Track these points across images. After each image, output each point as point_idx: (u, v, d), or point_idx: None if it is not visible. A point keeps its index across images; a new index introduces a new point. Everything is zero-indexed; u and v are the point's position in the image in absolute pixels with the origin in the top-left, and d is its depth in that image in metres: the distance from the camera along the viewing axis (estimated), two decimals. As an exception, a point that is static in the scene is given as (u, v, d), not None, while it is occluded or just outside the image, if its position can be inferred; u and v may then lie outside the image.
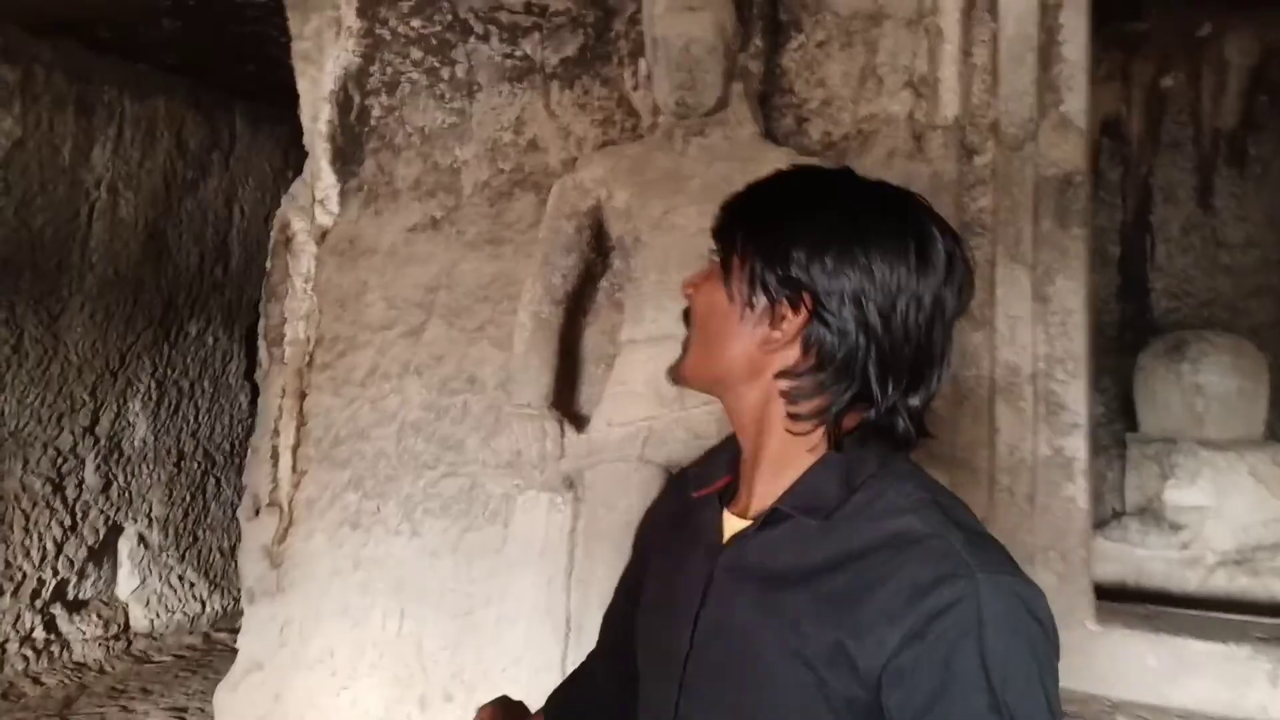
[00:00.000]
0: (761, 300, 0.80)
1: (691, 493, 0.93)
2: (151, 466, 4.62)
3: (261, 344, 2.74)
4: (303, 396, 2.63)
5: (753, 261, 0.81)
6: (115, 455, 4.43)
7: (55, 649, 4.07)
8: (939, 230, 0.81)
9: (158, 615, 4.61)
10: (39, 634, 4.01)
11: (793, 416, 0.81)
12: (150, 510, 4.60)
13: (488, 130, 2.51)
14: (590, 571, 1.92)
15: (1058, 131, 2.03)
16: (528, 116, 2.47)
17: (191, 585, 4.82)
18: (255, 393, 5.41)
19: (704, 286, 0.86)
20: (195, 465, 4.90)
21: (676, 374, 0.89)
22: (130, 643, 4.43)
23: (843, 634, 0.74)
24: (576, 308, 2.22)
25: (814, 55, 2.17)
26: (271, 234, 2.75)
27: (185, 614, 4.77)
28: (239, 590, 5.16)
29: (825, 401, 0.79)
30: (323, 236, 2.67)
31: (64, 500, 4.15)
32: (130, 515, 4.49)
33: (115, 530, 4.42)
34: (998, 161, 2.05)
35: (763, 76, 2.15)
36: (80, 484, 4.23)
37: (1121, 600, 2.47)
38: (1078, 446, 1.98)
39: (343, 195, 2.66)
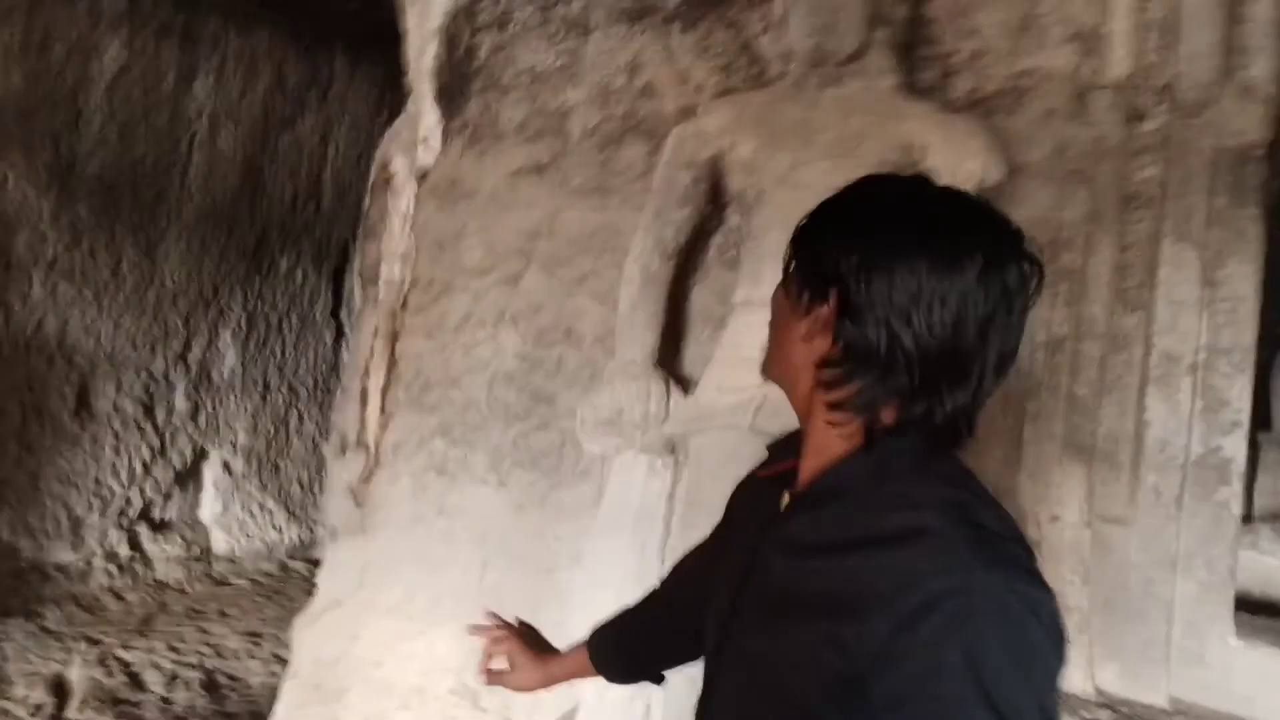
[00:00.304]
0: (805, 296, 0.86)
1: (759, 473, 1.01)
2: (239, 396, 4.69)
3: (356, 282, 2.69)
4: (395, 338, 2.57)
5: (799, 261, 0.88)
6: (205, 383, 4.49)
7: (139, 567, 4.18)
8: (983, 234, 0.82)
9: (238, 541, 4.70)
10: (124, 551, 4.11)
11: (829, 406, 0.85)
12: (236, 439, 4.67)
13: (600, 73, 2.38)
14: (688, 541, 1.82)
15: (1240, 98, 1.81)
16: (644, 60, 2.33)
17: (271, 514, 4.90)
18: (340, 331, 5.46)
19: (779, 290, 0.92)
20: (280, 398, 4.96)
21: (762, 370, 0.96)
22: (210, 565, 4.52)
23: (844, 614, 0.77)
24: (686, 264, 2.09)
25: (966, 2, 1.98)
26: (371, 171, 2.68)
27: (264, 541, 4.86)
28: (315, 522, 5.25)
29: (853, 391, 0.83)
30: (423, 176, 2.59)
31: (154, 424, 4.23)
32: (216, 442, 4.56)
33: (201, 456, 4.50)
34: (1171, 128, 1.84)
35: (907, 24, 1.97)
36: (170, 409, 4.30)
37: (1246, 611, 2.28)
38: (1237, 447, 1.79)
39: (446, 135, 2.57)
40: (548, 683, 1.26)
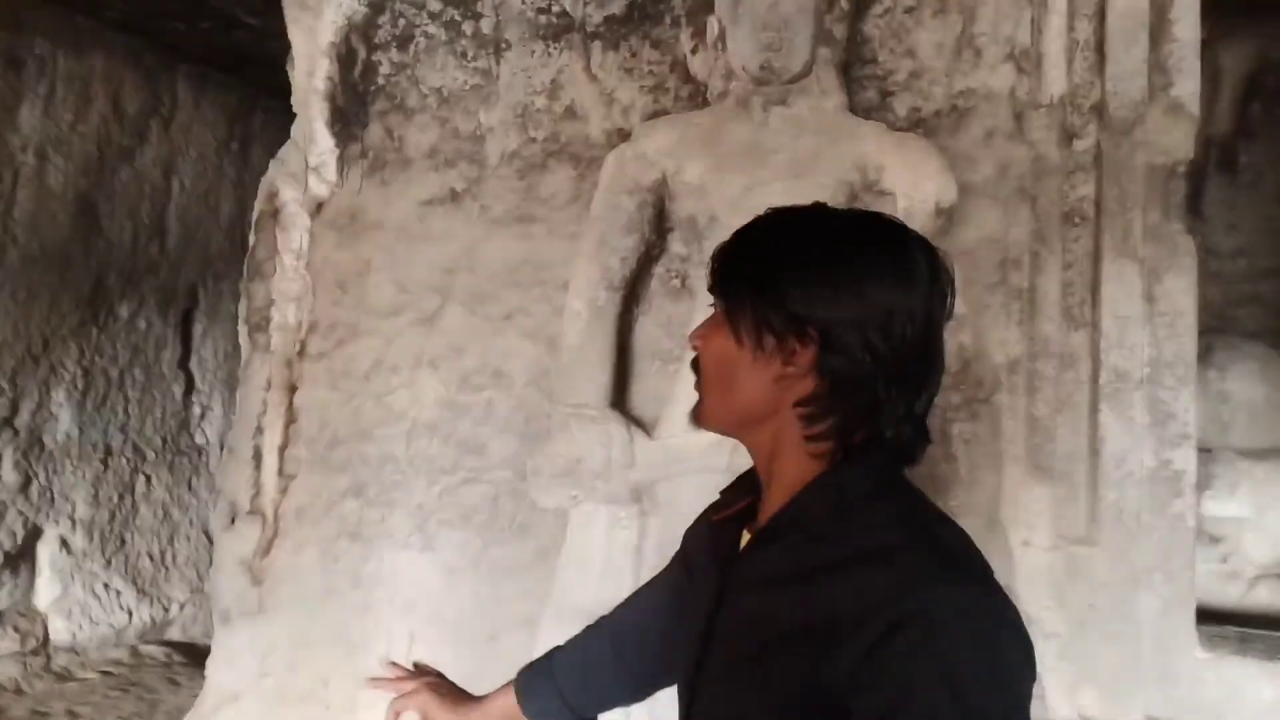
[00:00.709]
0: (770, 340, 0.84)
1: (713, 517, 1.00)
2: (75, 463, 4.16)
3: (242, 329, 2.40)
4: (292, 390, 2.30)
5: (755, 305, 0.85)
6: (36, 450, 3.95)
7: (-35, 669, 3.60)
8: (913, 243, 0.85)
9: (80, 627, 4.15)
10: (-54, 652, 3.54)
11: (809, 438, 0.85)
12: (74, 511, 4.14)
13: (517, 94, 2.23)
14: None
15: (1168, 117, 1.87)
16: (565, 80, 2.20)
17: (118, 594, 4.36)
18: (191, 383, 4.98)
19: (712, 336, 0.89)
20: (124, 462, 4.44)
21: (696, 419, 0.93)
22: (50, 658, 3.96)
23: (816, 644, 0.77)
24: (628, 296, 1.96)
25: (902, 22, 1.96)
26: (256, 204, 2.41)
27: (111, 625, 4.31)
28: (170, 599, 4.72)
29: (839, 420, 0.84)
30: (318, 209, 2.34)
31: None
32: (51, 517, 4.02)
33: (34, 534, 3.95)
34: (1104, 146, 1.87)
35: (848, 43, 1.93)
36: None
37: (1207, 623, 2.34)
38: (1187, 459, 1.82)
39: (342, 162, 2.34)
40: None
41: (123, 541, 4.41)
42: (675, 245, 1.99)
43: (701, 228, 1.83)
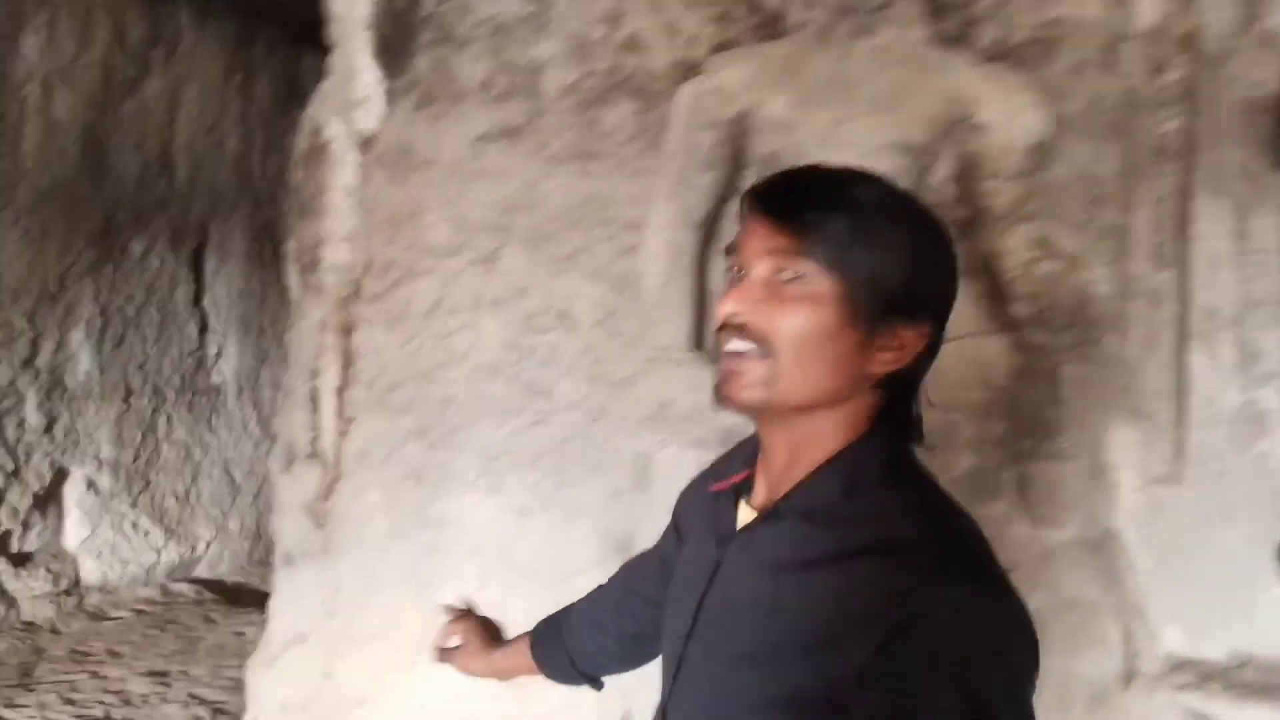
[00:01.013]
0: (881, 321, 0.81)
1: (709, 488, 0.96)
2: (98, 404, 4.12)
3: (291, 268, 2.34)
4: (348, 331, 2.26)
5: (870, 279, 0.80)
6: (58, 391, 3.91)
7: (1, 608, 3.61)
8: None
9: (111, 567, 4.16)
10: (-18, 593, 3.54)
11: (892, 416, 0.85)
12: (99, 452, 4.11)
13: (574, 23, 2.14)
14: None
15: (1260, 49, 1.81)
16: (625, 8, 2.11)
17: (146, 533, 4.37)
18: (205, 321, 4.91)
19: (797, 306, 0.81)
20: (145, 402, 4.40)
21: (743, 399, 0.82)
22: (82, 598, 3.98)
23: (823, 636, 0.75)
24: (708, 235, 1.91)
25: (989, -54, 1.88)
26: (299, 139, 2.33)
27: (140, 564, 4.33)
28: (197, 538, 4.73)
29: (896, 404, 0.84)
30: (366, 144, 2.26)
31: (4, 443, 3.63)
32: (77, 458, 3.99)
33: (61, 475, 3.93)
34: (1196, 79, 1.82)
35: (933, -31, 1.85)
36: (21, 424, 3.72)
37: None
38: (1272, 398, 1.82)
39: (390, 96, 2.25)
40: (492, 671, 1.29)
41: (147, 482, 4.39)
42: (749, 182, 1.94)
43: (786, 166, 1.77)
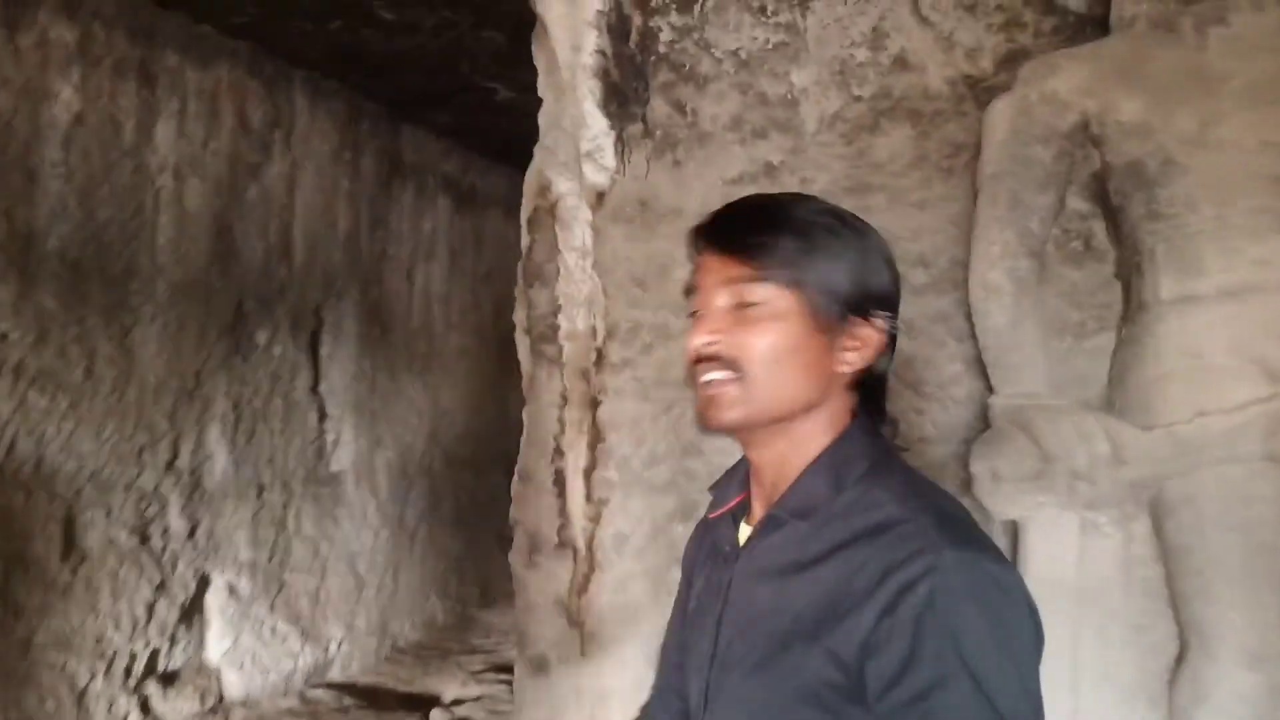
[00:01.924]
0: (840, 324, 0.88)
1: (708, 516, 1.04)
2: (235, 503, 3.91)
3: (522, 341, 2.13)
4: (594, 405, 2.03)
5: (824, 288, 0.87)
6: (198, 493, 3.71)
7: (154, 734, 3.36)
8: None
9: (252, 678, 3.91)
10: (134, 718, 3.29)
11: (867, 412, 0.91)
12: (237, 555, 3.89)
13: (831, 47, 1.95)
14: (1208, 615, 1.40)
15: None
16: (889, 26, 1.92)
17: (284, 639, 4.12)
18: (323, 409, 4.73)
19: (764, 324, 0.87)
20: (276, 497, 4.20)
21: (725, 420, 0.88)
22: (228, 715, 3.72)
23: (830, 622, 0.78)
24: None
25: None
26: (525, 200, 2.14)
27: (279, 673, 4.07)
28: (329, 639, 4.48)
29: (869, 405, 0.91)
30: (599, 199, 2.07)
31: (151, 554, 3.43)
32: (218, 563, 3.77)
33: (204, 583, 3.71)
34: None
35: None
36: (166, 532, 3.51)
37: None
38: None
39: (621, 145, 2.07)
40: None
41: (282, 584, 4.16)
42: (1074, 201, 1.71)
43: (1152, 174, 1.54)
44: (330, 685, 4.30)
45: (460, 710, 3.91)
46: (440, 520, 5.57)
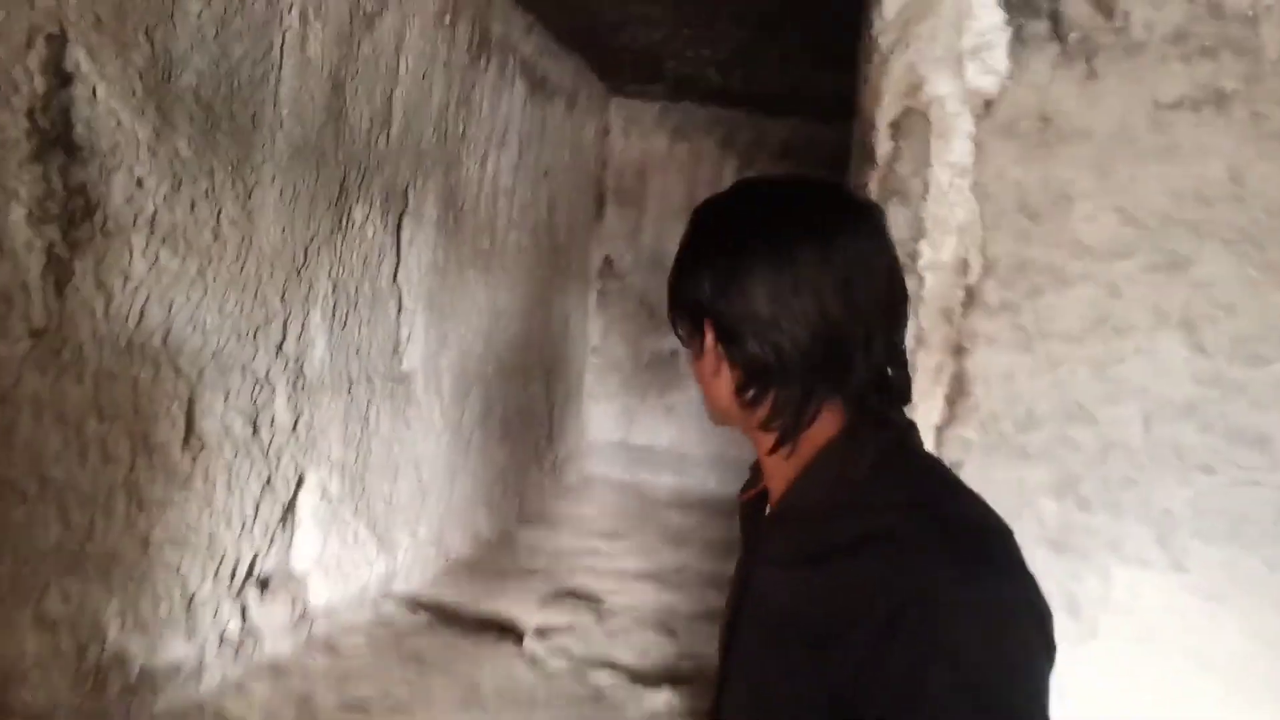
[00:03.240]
0: (688, 334, 0.93)
1: (740, 496, 1.05)
2: (331, 396, 3.53)
3: None
4: (958, 352, 1.74)
5: (672, 301, 0.94)
6: (301, 381, 3.32)
7: (251, 646, 3.04)
8: (801, 217, 0.86)
9: (336, 587, 3.59)
10: (234, 626, 2.96)
11: (760, 427, 0.89)
12: (330, 452, 3.53)
13: (1309, -41, 1.63)
14: None
15: None
16: (1384, -58, 1.61)
17: (364, 546, 3.80)
18: (401, 301, 4.32)
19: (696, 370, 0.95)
20: (362, 393, 3.82)
21: (711, 420, 0.97)
22: (311, 625, 3.42)
23: (823, 632, 0.77)
24: None
25: None
26: (886, 97, 1.79)
27: (356, 582, 3.77)
28: (396, 546, 4.17)
29: (770, 407, 0.87)
30: (985, 108, 1.74)
31: (260, 445, 3.05)
32: (314, 460, 3.41)
33: (300, 482, 3.35)
34: None
35: None
36: (273, 422, 3.13)
37: None
38: None
39: (1017, 45, 1.73)
40: None
41: (364, 486, 3.82)
42: None
43: None
44: (400, 598, 4.01)
45: (555, 640, 3.67)
46: (490, 429, 5.26)
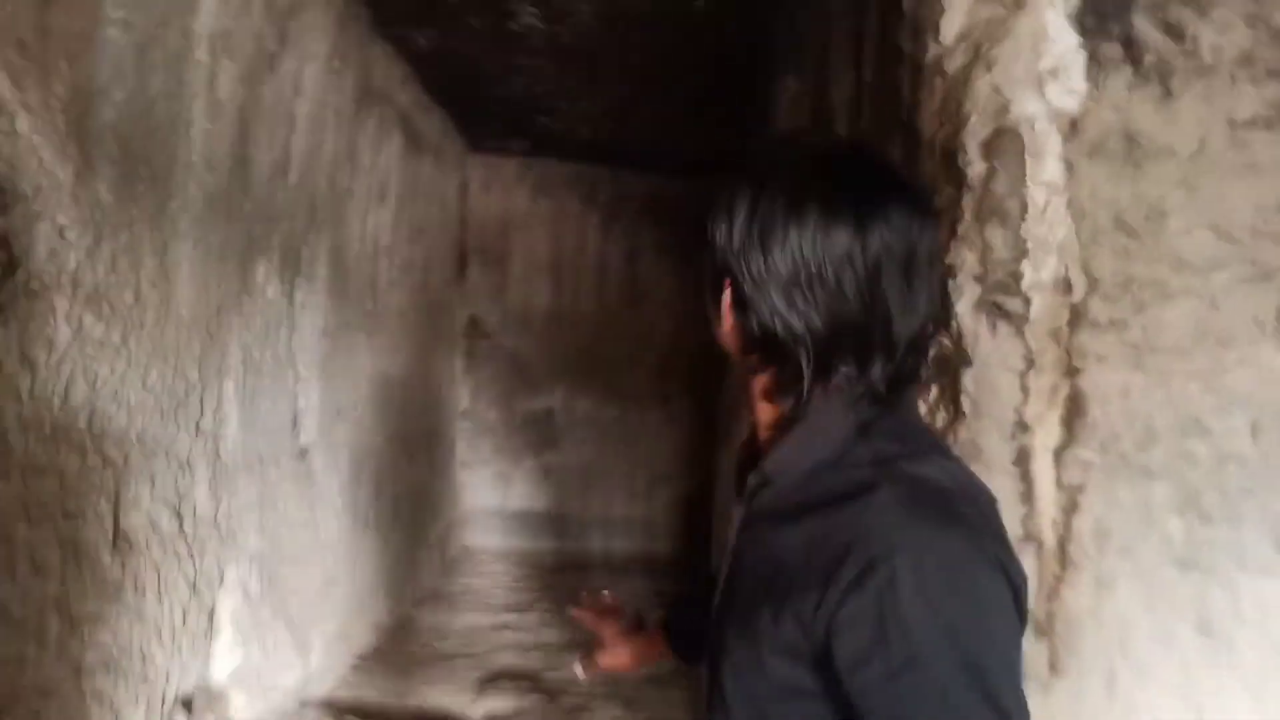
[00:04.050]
0: (710, 286, 0.92)
1: (740, 448, 1.04)
2: (245, 478, 3.07)
3: (967, 291, 1.74)
4: (1071, 372, 1.70)
5: (704, 253, 0.92)
6: (218, 464, 2.86)
7: (179, 783, 2.52)
8: (851, 194, 0.83)
9: (256, 698, 3.08)
10: (161, 762, 2.44)
11: (763, 393, 0.90)
12: (249, 544, 3.06)
13: (1347, -13, 1.75)
14: None
15: None
16: None
17: (283, 649, 3.30)
18: (295, 368, 3.87)
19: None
20: (271, 474, 3.36)
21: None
22: (235, 749, 2.90)
23: (797, 587, 0.79)
24: None
25: None
26: (973, 118, 1.75)
27: (278, 692, 3.26)
28: (316, 649, 3.66)
29: (772, 376, 0.88)
30: (1071, 128, 1.74)
31: (185, 541, 2.57)
32: (234, 554, 2.93)
33: (221, 580, 2.86)
34: None
35: None
36: (195, 512, 2.66)
37: None
38: None
39: (1093, 67, 1.75)
40: (638, 662, 1.38)
41: (279, 580, 3.34)
42: None
43: None
44: (320, 704, 3.52)
45: (512, 729, 3.33)
46: (383, 506, 4.82)
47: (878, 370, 0.85)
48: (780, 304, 0.83)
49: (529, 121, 6.06)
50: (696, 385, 6.89)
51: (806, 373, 0.84)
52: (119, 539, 2.19)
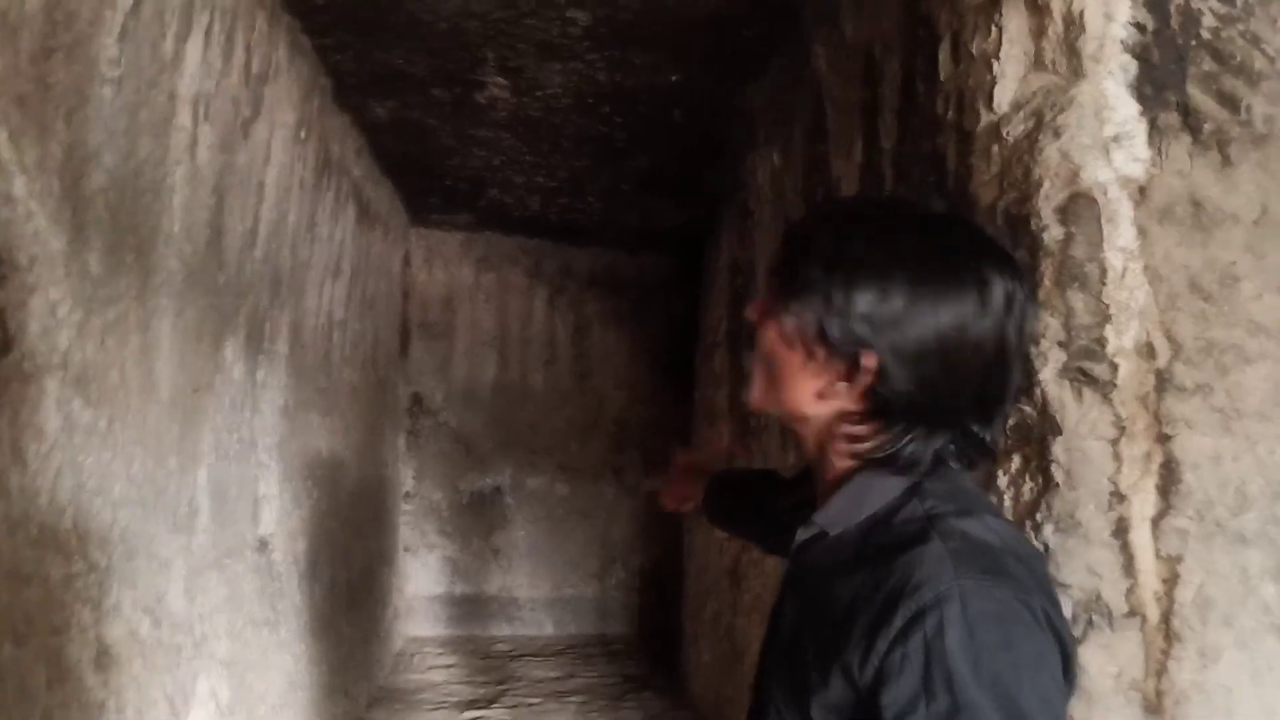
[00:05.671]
0: (822, 351, 0.89)
1: (783, 504, 1.12)
2: (215, 575, 2.79)
3: (1052, 358, 1.69)
4: (1161, 438, 1.66)
5: (816, 310, 0.88)
6: (191, 561, 2.58)
7: None
8: (998, 269, 0.87)
9: (225, 828, 2.75)
10: None
11: (854, 455, 0.91)
12: (218, 650, 2.76)
13: (1379, 63, 1.82)
14: None
15: None
16: None
17: (252, 766, 2.98)
18: (259, 455, 3.61)
19: (769, 321, 0.94)
20: (237, 569, 3.08)
21: (748, 401, 0.97)
22: None
23: (844, 640, 0.80)
24: None
25: None
26: (1046, 182, 1.73)
27: (245, 816, 2.92)
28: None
29: (884, 440, 0.89)
30: (1140, 194, 1.73)
31: (163, 650, 2.29)
32: (205, 661, 2.64)
33: (194, 688, 2.57)
34: None
35: None
36: (171, 617, 2.38)
37: None
38: None
39: (1155, 134, 1.76)
40: (688, 503, 1.62)
41: (248, 688, 3.03)
42: None
43: None
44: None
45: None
46: (338, 599, 4.51)
47: (975, 436, 0.88)
48: (925, 374, 0.83)
49: (478, 195, 5.96)
50: (651, 456, 6.77)
51: (922, 439, 0.86)
52: (101, 654, 1.93)
